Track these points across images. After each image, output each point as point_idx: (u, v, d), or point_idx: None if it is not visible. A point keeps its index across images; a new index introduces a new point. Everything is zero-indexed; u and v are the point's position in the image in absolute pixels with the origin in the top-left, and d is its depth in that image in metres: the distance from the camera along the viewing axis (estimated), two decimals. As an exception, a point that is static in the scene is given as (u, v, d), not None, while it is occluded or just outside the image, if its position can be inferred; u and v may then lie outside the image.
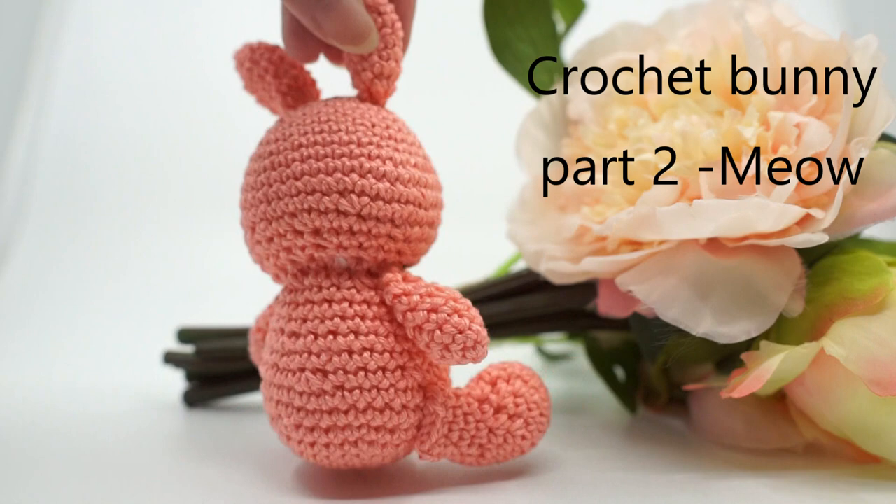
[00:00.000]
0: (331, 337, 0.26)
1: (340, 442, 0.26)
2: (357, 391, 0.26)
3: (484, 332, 0.26)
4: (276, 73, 0.30)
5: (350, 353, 0.26)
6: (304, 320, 0.27)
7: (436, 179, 0.30)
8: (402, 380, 0.26)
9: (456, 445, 0.28)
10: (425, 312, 0.26)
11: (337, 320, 0.26)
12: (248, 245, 0.29)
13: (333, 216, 0.26)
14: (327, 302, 0.27)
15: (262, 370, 0.29)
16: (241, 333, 0.41)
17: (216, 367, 0.41)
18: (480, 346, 0.26)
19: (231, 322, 0.42)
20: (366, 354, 0.26)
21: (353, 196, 0.26)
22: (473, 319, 0.26)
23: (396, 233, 0.27)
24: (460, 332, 0.26)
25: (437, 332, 0.26)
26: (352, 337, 0.26)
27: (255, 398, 0.42)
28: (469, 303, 0.27)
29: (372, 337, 0.26)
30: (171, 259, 0.76)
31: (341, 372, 0.26)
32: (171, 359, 0.41)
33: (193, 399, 0.41)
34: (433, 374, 0.28)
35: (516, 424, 0.28)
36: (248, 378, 0.40)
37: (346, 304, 0.27)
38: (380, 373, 0.26)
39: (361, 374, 0.26)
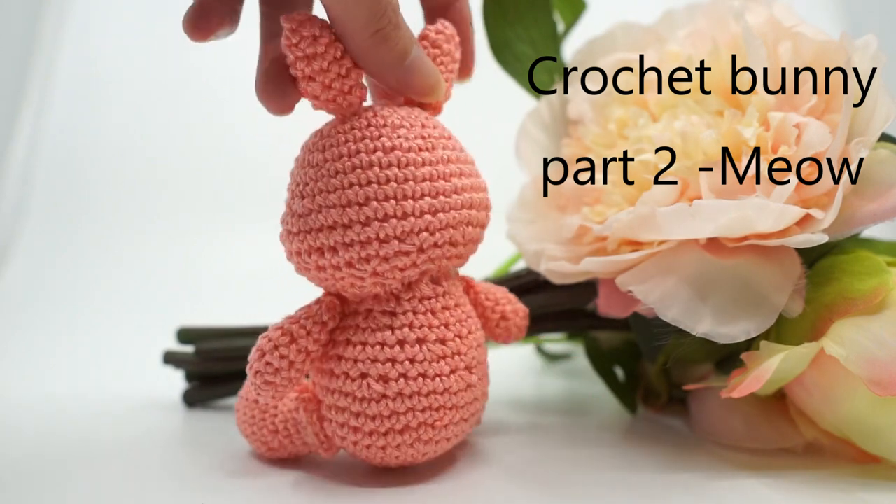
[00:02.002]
0: (470, 335, 0.29)
1: (470, 426, 0.29)
2: (484, 376, 0.30)
3: None
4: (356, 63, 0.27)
5: (478, 345, 0.29)
6: (447, 325, 0.28)
7: None
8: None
9: None
10: (506, 303, 0.32)
11: (470, 320, 0.29)
12: (344, 260, 0.26)
13: (479, 230, 0.29)
14: (459, 306, 0.29)
15: (371, 390, 0.27)
16: (241, 333, 0.41)
17: (216, 367, 0.41)
18: None
19: (231, 322, 0.42)
20: (483, 343, 0.30)
21: (486, 211, 0.29)
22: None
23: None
24: (527, 314, 0.33)
25: (517, 317, 0.32)
26: (479, 332, 0.30)
27: (255, 398, 0.42)
28: None
29: (482, 329, 0.31)
30: (171, 259, 0.76)
31: (477, 363, 0.29)
32: (171, 359, 0.41)
33: (193, 399, 0.41)
34: None
35: None
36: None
37: (470, 306, 0.30)
38: (485, 355, 0.30)
39: (485, 360, 0.30)
